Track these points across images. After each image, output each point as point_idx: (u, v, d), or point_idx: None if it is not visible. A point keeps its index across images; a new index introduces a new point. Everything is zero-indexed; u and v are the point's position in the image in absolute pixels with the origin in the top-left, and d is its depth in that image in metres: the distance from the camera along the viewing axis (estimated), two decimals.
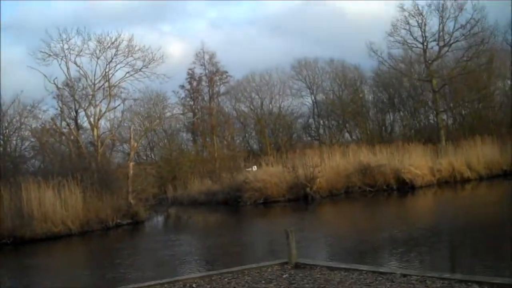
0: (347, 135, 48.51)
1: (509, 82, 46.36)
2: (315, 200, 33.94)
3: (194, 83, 49.50)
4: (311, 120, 49.33)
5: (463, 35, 42.00)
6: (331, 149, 38.16)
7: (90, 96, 38.90)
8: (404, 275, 9.79)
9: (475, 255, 15.13)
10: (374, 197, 33.92)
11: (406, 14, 42.09)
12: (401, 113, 48.06)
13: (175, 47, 72.83)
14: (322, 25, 70.78)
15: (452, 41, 42.60)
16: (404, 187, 35.22)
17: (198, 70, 49.38)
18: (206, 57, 48.72)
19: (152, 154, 51.05)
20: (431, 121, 46.87)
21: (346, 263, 11.81)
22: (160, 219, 37.67)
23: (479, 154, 37.27)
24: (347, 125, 48.14)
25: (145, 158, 49.50)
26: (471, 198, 31.05)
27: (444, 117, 43.91)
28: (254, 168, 39.16)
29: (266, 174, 35.97)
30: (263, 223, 29.44)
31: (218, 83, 49.42)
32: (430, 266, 13.85)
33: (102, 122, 39.97)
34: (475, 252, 15.47)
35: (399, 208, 30.48)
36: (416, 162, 36.04)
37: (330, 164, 36.10)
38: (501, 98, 46.44)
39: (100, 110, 38.97)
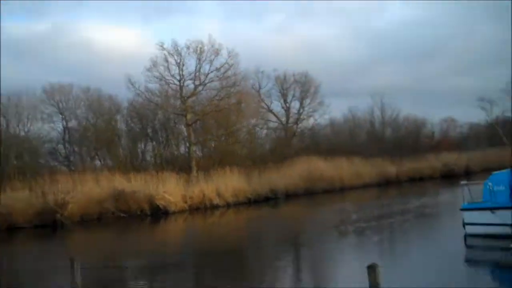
0: (98, 162, 47.08)
1: (252, 121, 50.73)
2: (65, 226, 32.26)
3: None
4: (60, 146, 46.82)
5: (217, 77, 44.80)
6: (83, 176, 36.74)
7: None
8: None
9: (215, 277, 16.35)
10: (127, 222, 33.74)
11: (166, 52, 43.35)
12: (154, 143, 48.70)
13: None
14: (75, 55, 69.37)
15: (207, 81, 45.10)
16: (158, 213, 35.77)
17: None
18: None
19: None
20: (182, 152, 48.47)
21: None
22: None
23: (228, 183, 39.78)
24: (98, 152, 46.88)
25: None
26: (218, 225, 32.76)
27: (196, 148, 45.58)
28: None
29: (11, 199, 33.05)
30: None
31: None
32: None
33: None
34: (216, 274, 16.71)
35: (150, 234, 30.64)
36: (170, 190, 36.93)
37: (82, 190, 34.74)
38: (245, 136, 50.34)
39: None
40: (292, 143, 54.82)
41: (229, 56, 44.40)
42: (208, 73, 44.89)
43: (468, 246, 19.87)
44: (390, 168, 52.89)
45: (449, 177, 55.51)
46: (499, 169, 57.83)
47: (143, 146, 49.15)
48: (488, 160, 61.68)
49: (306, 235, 24.60)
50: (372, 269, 7.98)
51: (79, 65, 67.43)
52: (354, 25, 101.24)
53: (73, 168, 42.82)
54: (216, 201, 38.46)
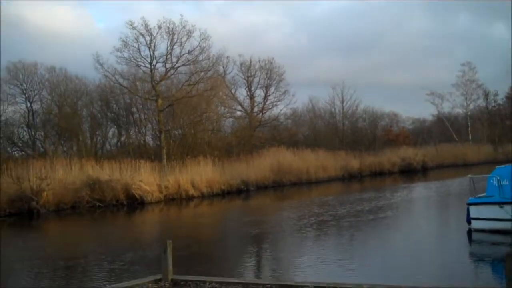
0: (61, 148, 45.07)
1: (223, 108, 50.11)
2: (41, 215, 30.80)
3: None
4: (21, 130, 44.48)
5: (189, 60, 43.24)
6: (54, 162, 35.15)
7: None
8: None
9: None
10: (103, 213, 32.63)
11: (136, 32, 41.64)
12: (123, 129, 47.20)
13: None
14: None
15: (178, 65, 43.46)
16: (134, 203, 34.78)
17: None
18: None
19: None
20: (150, 139, 47.47)
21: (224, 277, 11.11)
22: None
23: (202, 174, 39.10)
24: (62, 138, 44.96)
25: None
26: (193, 217, 32.12)
27: (163, 136, 44.26)
28: None
29: None
30: None
31: None
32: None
33: None
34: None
35: (127, 226, 29.59)
36: (145, 179, 35.95)
37: (56, 178, 33.25)
38: (212, 124, 49.62)
39: None
40: (257, 133, 54.41)
41: (202, 39, 42.97)
42: (180, 56, 43.23)
43: (474, 241, 20.25)
44: (354, 162, 53.60)
45: (407, 172, 57.03)
46: (453, 165, 60.10)
47: (109, 131, 47.65)
48: (441, 156, 63.93)
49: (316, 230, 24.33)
50: (509, 257, 8.04)
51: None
52: (294, 13, 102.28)
53: (30, 154, 40.72)
54: (191, 192, 37.75)
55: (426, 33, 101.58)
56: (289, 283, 9.92)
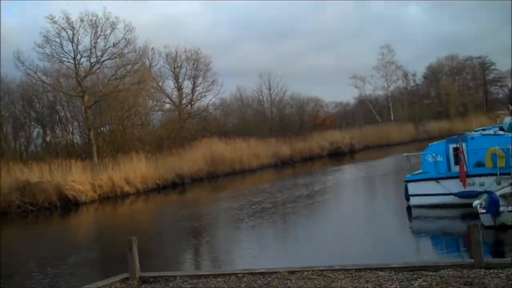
0: None
1: (152, 102, 49.16)
2: None
3: None
4: None
5: (115, 53, 42.22)
6: None
7: None
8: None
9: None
10: (36, 217, 31.43)
11: (58, 26, 40.08)
12: (48, 129, 45.35)
13: None
14: None
15: (104, 59, 42.29)
16: (68, 204, 33.70)
17: None
18: None
19: None
20: (77, 137, 46.05)
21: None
22: None
23: (136, 170, 38.38)
24: None
25: None
26: (130, 214, 31.52)
27: (92, 133, 42.95)
28: None
29: None
30: None
31: None
32: None
33: None
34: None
35: (64, 228, 28.63)
36: (78, 178, 34.88)
37: None
38: (141, 118, 48.58)
39: None
40: (186, 125, 53.75)
41: (126, 31, 42.09)
42: (105, 49, 42.10)
43: (415, 217, 21.01)
44: (284, 149, 54.16)
45: (336, 155, 58.31)
46: (378, 145, 61.95)
47: (32, 131, 45.61)
48: (366, 138, 65.88)
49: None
50: (474, 227, 8.45)
51: None
52: (212, 1, 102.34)
53: None
54: (126, 188, 36.99)
55: (343, 17, 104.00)
56: (261, 271, 9.83)
